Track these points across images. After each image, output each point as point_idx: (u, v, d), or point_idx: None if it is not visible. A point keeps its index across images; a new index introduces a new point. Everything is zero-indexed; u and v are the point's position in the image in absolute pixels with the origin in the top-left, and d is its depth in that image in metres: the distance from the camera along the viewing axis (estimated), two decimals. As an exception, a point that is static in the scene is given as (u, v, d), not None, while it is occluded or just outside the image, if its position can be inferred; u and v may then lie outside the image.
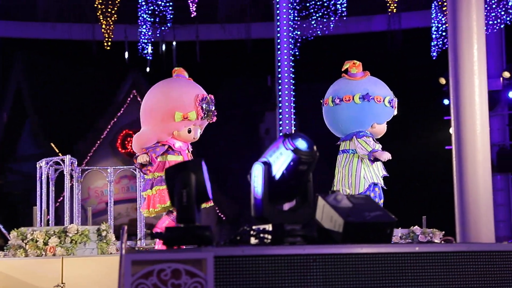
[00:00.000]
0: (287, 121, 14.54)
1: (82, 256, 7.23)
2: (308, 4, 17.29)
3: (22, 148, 19.92)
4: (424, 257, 3.68)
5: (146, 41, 17.68)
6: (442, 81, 16.55)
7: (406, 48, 17.94)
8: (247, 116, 19.29)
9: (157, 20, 17.49)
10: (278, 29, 15.07)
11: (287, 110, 14.66)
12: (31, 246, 7.25)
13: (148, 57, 18.04)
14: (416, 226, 8.25)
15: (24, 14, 18.36)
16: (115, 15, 17.02)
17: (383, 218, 3.80)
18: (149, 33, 17.60)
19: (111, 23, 17.01)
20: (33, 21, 18.43)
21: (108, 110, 19.87)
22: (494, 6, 16.24)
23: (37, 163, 8.61)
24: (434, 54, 16.89)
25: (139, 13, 17.41)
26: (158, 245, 5.98)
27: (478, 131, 4.31)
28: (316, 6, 17.35)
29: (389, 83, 7.24)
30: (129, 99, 19.75)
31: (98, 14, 17.10)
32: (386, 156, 6.49)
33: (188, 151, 6.68)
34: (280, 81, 14.83)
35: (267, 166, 3.73)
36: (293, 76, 14.95)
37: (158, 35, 18.00)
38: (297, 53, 16.23)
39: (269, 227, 3.74)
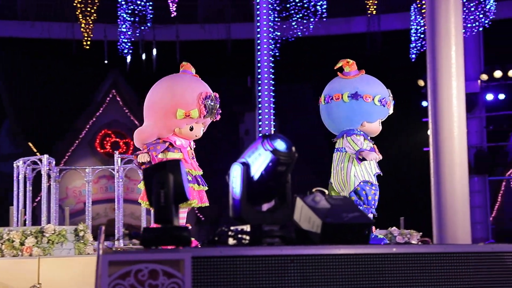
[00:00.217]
0: (266, 122, 14.55)
1: (59, 257, 7.18)
2: (288, 5, 17.32)
3: (0, 147, 19.76)
4: (401, 258, 3.70)
5: (126, 40, 17.61)
6: (421, 83, 16.67)
7: (386, 50, 18.03)
8: (226, 116, 19.28)
9: (137, 19, 17.42)
10: (258, 29, 15.08)
11: (266, 111, 14.67)
12: (7, 246, 7.18)
13: (127, 57, 17.96)
14: (394, 227, 8.29)
15: (3, 13, 18.21)
16: (95, 14, 16.93)
17: (361, 219, 3.81)
18: (129, 33, 17.53)
19: (90, 22, 16.92)
20: (12, 19, 18.29)
21: (87, 109, 19.77)
22: (472, 9, 16.37)
23: (14, 162, 8.54)
24: (413, 56, 17.00)
25: (119, 12, 17.34)
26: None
27: (455, 133, 4.34)
28: (296, 7, 17.39)
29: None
30: (108, 98, 19.66)
31: (77, 13, 17.01)
32: (373, 156, 6.51)
33: (190, 148, 6.57)
34: (260, 81, 14.84)
35: (246, 166, 3.73)
36: (273, 77, 14.96)
37: (138, 34, 17.93)
38: (277, 54, 16.26)
39: (247, 227, 3.74)
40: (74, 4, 16.95)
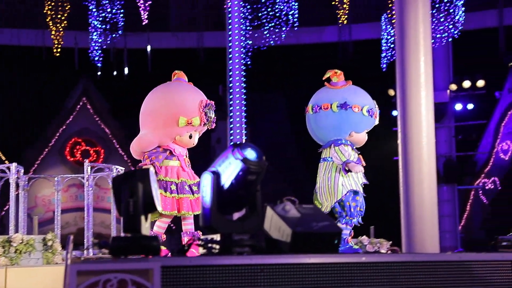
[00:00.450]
0: (238, 131, 14.55)
1: (27, 266, 7.09)
2: (260, 14, 17.38)
3: (-33, 155, 19.50)
4: (370, 267, 3.72)
5: (97, 48, 17.51)
6: (391, 92, 16.80)
7: (357, 59, 18.15)
8: (198, 125, 19.19)
9: (108, 27, 17.33)
10: (230, 38, 15.09)
11: (238, 119, 14.67)
12: (-26, 256, 7.08)
13: (98, 64, 17.85)
14: (364, 236, 8.33)
15: (-28, 19, 18.02)
16: (65, 22, 16.82)
17: (330, 228, 3.82)
18: (100, 40, 17.43)
19: (61, 29, 16.80)
20: (-19, 26, 18.11)
21: (57, 117, 19.60)
22: (442, 19, 16.57)
23: (-18, 171, 8.43)
24: (384, 65, 17.14)
25: (90, 19, 17.24)
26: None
27: (424, 142, 4.38)
28: (268, 16, 17.45)
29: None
30: (78, 106, 19.51)
31: (48, 20, 16.87)
32: (358, 169, 6.56)
33: (186, 157, 6.58)
34: (231, 90, 14.84)
35: (216, 175, 3.72)
36: (244, 85, 14.98)
37: (109, 42, 17.84)
38: (249, 62, 16.28)
39: (217, 236, 3.73)
40: (45, 11, 16.82)
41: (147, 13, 16.50)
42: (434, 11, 16.26)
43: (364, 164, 6.77)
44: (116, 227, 8.85)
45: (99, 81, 18.91)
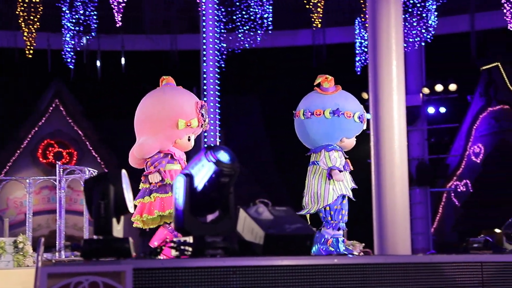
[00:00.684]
0: (212, 133, 14.54)
1: (-2, 269, 7.02)
2: (234, 17, 17.39)
3: None
4: (342, 269, 3.74)
5: (69, 49, 17.38)
6: (365, 96, 16.91)
7: (331, 62, 18.24)
8: (172, 127, 19.13)
9: (81, 28, 17.22)
10: (204, 41, 15.08)
11: (212, 122, 14.66)
12: None
13: (71, 66, 17.72)
14: (355, 241, 8.36)
15: None
16: (38, 23, 16.66)
17: (303, 230, 3.84)
18: (73, 42, 17.31)
19: (33, 31, 16.65)
20: (-49, 27, 17.89)
21: (30, 119, 19.43)
22: (414, 24, 16.72)
23: (-48, 173, 8.33)
24: (358, 69, 17.25)
25: (63, 21, 17.10)
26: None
27: (396, 146, 4.42)
28: (243, 19, 17.46)
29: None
30: (51, 108, 19.35)
31: (20, 21, 16.71)
32: (339, 178, 6.61)
33: (185, 160, 6.55)
34: (205, 93, 14.83)
35: (189, 178, 3.72)
36: (218, 88, 14.97)
37: (82, 44, 17.72)
38: (223, 65, 16.28)
39: (190, 239, 3.73)
40: (17, 12, 16.65)
41: (121, 15, 16.41)
42: (407, 16, 16.41)
43: (352, 169, 6.83)
44: (89, 230, 8.79)
45: (72, 83, 18.78)
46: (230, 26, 17.34)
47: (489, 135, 19.04)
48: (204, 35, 15.09)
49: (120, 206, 3.36)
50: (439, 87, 17.71)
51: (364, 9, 15.92)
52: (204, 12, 15.38)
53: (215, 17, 15.42)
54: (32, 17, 16.56)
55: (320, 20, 16.89)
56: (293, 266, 3.63)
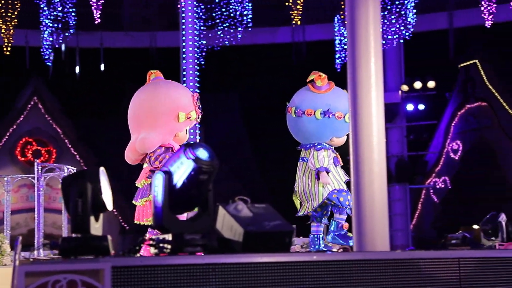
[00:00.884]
0: (191, 131, 14.49)
1: (-24, 268, 6.96)
2: (214, 14, 17.35)
3: None
4: (321, 265, 3.76)
5: (48, 46, 17.25)
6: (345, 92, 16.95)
7: (311, 59, 18.27)
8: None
9: (59, 25, 17.09)
10: (184, 38, 15.04)
11: (192, 119, 14.62)
12: None
13: (49, 63, 17.59)
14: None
15: None
16: (16, 20, 16.52)
17: (282, 227, 3.85)
18: (51, 39, 17.17)
19: (11, 27, 16.50)
20: None
21: (7, 116, 19.26)
22: (393, 21, 16.79)
23: None
24: (338, 66, 17.29)
25: (41, 18, 16.96)
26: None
27: (374, 143, 4.43)
28: (222, 17, 17.43)
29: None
30: (29, 106, 19.20)
31: (-3, 18, 16.56)
32: (325, 181, 6.63)
33: None
34: (185, 90, 14.78)
35: (168, 175, 3.72)
36: (198, 85, 14.95)
37: (60, 41, 17.59)
38: (202, 62, 16.25)
39: (169, 236, 3.72)
40: (-6, 9, 16.51)
41: (100, 12, 16.31)
42: (385, 13, 16.48)
43: (342, 164, 6.86)
44: (68, 228, 8.75)
45: (51, 80, 18.65)
46: (209, 23, 17.30)
47: (467, 132, 19.19)
48: (184, 32, 15.06)
49: (98, 204, 3.35)
50: (417, 84, 17.81)
51: (343, 7, 15.97)
52: (183, 9, 15.35)
53: (195, 14, 15.39)
54: (10, 14, 16.42)
55: (299, 17, 16.91)
56: (272, 263, 3.64)
